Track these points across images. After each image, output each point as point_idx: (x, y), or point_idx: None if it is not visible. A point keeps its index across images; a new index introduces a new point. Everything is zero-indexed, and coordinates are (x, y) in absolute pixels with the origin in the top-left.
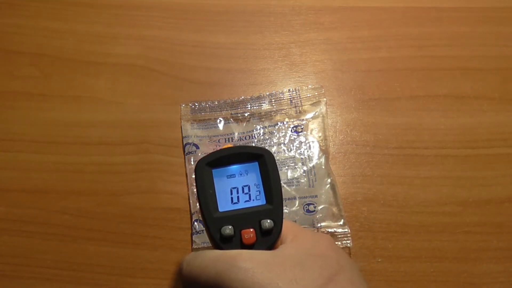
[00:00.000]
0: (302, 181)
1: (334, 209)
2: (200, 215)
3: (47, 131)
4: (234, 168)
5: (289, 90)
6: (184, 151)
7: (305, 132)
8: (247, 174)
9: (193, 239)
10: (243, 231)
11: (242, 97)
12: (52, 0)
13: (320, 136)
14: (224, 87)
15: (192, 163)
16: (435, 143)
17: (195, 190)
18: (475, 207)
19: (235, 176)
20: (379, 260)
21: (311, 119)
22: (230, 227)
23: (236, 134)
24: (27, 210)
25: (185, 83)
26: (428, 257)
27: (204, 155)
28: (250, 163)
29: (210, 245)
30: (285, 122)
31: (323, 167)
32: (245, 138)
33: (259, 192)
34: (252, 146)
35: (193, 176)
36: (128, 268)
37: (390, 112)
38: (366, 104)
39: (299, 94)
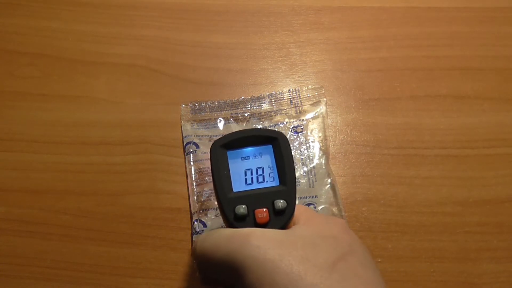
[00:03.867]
0: (302, 181)
1: (334, 209)
2: (214, 200)
3: (47, 131)
4: (249, 150)
5: (289, 90)
6: (184, 151)
7: (305, 132)
8: (261, 156)
9: (193, 239)
10: (256, 210)
11: (242, 97)
12: (52, 0)
13: (320, 136)
14: (224, 87)
15: (192, 163)
16: (435, 143)
17: (195, 189)
18: (475, 207)
19: (249, 158)
20: (379, 260)
21: (311, 119)
22: (244, 206)
23: None
24: (27, 210)
25: (185, 83)
26: (428, 257)
27: (205, 151)
28: (264, 145)
29: None
30: (285, 122)
31: (323, 167)
32: None
33: (273, 174)
34: (267, 129)
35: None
36: (128, 268)
37: (390, 112)
38: (366, 104)
39: (299, 94)
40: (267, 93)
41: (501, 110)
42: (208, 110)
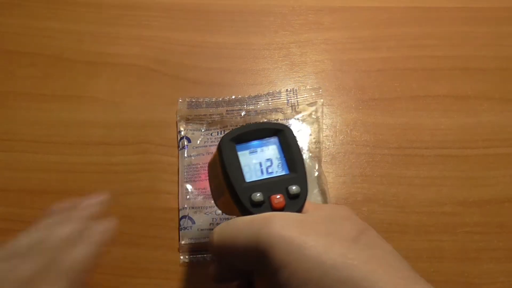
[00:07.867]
0: None
1: None
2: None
3: (47, 131)
4: (256, 143)
5: (286, 90)
6: (178, 146)
7: (299, 132)
8: (268, 149)
9: (181, 234)
10: (272, 196)
11: (240, 96)
12: (52, 0)
13: (314, 138)
14: (224, 87)
15: (185, 158)
16: (435, 143)
17: (186, 185)
18: (475, 207)
19: (256, 152)
20: None
21: (306, 119)
22: (259, 193)
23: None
24: (27, 210)
25: (185, 83)
26: (428, 257)
27: (200, 149)
28: (271, 138)
29: (199, 240)
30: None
31: (315, 170)
32: None
33: (281, 164)
34: (272, 122)
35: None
36: (128, 268)
37: (390, 112)
38: (366, 104)
39: (296, 95)
40: (265, 93)
41: (501, 110)
42: (204, 106)
